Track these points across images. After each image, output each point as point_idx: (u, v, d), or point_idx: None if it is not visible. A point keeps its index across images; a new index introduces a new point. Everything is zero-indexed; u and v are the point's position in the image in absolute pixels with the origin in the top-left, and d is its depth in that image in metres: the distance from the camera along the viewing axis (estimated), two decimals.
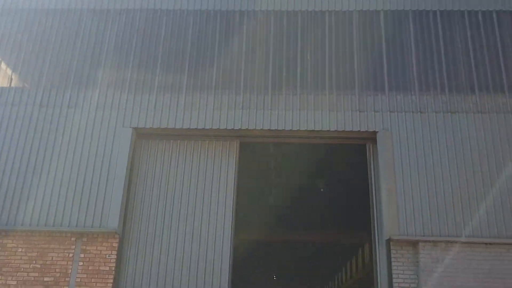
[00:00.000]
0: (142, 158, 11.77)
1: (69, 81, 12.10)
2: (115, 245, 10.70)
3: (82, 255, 10.62)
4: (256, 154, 18.63)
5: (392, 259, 10.32)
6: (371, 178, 11.50)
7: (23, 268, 10.53)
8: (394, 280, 10.17)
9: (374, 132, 11.37)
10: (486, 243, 10.16)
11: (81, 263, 10.55)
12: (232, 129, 11.56)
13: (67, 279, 10.43)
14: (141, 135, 11.87)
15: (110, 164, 11.25)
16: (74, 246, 10.68)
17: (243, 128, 11.53)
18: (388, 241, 10.44)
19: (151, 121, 11.67)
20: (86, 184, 11.08)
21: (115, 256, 10.61)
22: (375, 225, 11.04)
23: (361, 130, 11.39)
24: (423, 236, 10.25)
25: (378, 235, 10.88)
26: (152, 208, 11.30)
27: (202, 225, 11.14)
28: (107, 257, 10.58)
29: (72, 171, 11.21)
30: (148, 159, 11.77)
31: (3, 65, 12.51)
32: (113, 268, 10.50)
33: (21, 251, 10.65)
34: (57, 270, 10.49)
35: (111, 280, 10.40)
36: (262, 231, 29.75)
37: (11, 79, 12.33)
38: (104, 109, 11.78)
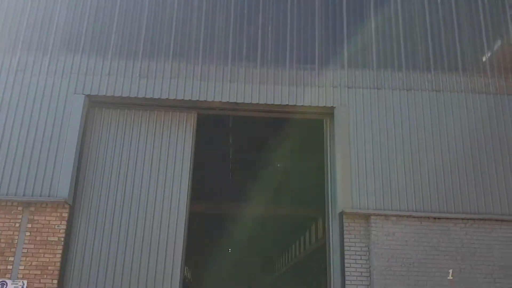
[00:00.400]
0: (95, 127, 11.37)
1: (18, 44, 11.45)
2: (65, 215, 10.36)
3: (29, 225, 10.23)
4: (214, 127, 18.47)
5: (345, 232, 10.50)
6: (327, 153, 11.59)
7: None
8: (346, 252, 10.37)
9: (332, 108, 11.40)
10: (434, 218, 10.48)
11: (28, 233, 10.18)
12: (190, 100, 11.31)
13: (13, 249, 10.06)
14: (94, 103, 11.43)
15: (61, 131, 10.81)
16: (20, 216, 10.28)
17: (201, 99, 11.31)
18: (341, 214, 10.60)
19: (104, 88, 11.24)
20: (35, 152, 10.62)
21: (65, 227, 10.29)
22: (329, 199, 11.18)
23: (319, 105, 11.39)
24: (375, 210, 10.46)
25: (331, 209, 11.03)
26: (105, 178, 10.99)
27: (157, 196, 10.95)
28: (56, 227, 10.25)
29: (20, 138, 10.70)
30: (101, 128, 11.39)
31: None
32: (63, 239, 10.19)
33: None
34: (2, 240, 10.07)
35: (60, 251, 10.10)
36: (217, 204, 29.79)
37: None
38: (55, 74, 11.24)
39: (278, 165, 24.30)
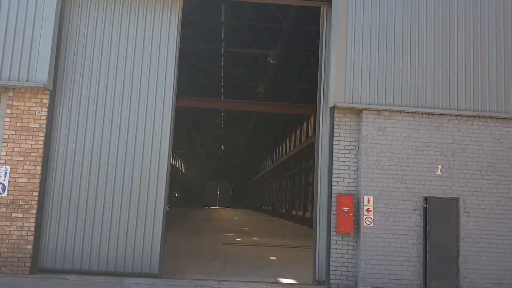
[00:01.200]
0: (74, 12, 10.55)
1: None
2: (46, 101, 9.95)
3: (8, 111, 9.85)
4: (202, 10, 17.45)
5: (335, 127, 10.26)
6: (322, 44, 10.96)
7: None
8: (335, 147, 10.22)
9: None
10: (428, 114, 10.20)
11: (8, 119, 9.83)
12: None
13: None
14: None
15: (36, 12, 10.00)
16: None
17: None
18: (333, 108, 10.29)
19: None
20: (9, 34, 9.91)
21: (46, 113, 9.92)
22: (322, 92, 10.78)
23: None
24: (368, 104, 10.13)
25: (323, 103, 10.68)
26: (87, 66, 10.41)
27: (141, 88, 10.47)
28: (37, 113, 9.88)
29: None
30: (80, 13, 10.57)
31: None
32: (44, 126, 9.88)
33: None
34: None
35: (42, 138, 9.84)
36: (208, 99, 29.39)
37: None
38: None
39: (272, 62, 23.60)
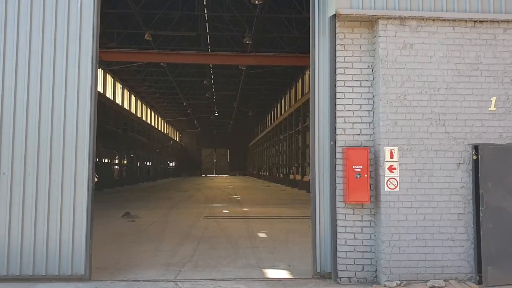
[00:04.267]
0: None
1: None
2: None
3: None
4: None
5: (338, 48, 6.93)
6: None
7: None
8: (338, 78, 6.92)
9: None
10: (475, 21, 6.86)
11: None
12: None
13: None
14: None
15: None
16: None
17: None
18: (334, 19, 6.94)
19: None
20: None
21: None
22: None
23: None
24: (386, 9, 6.77)
25: (320, 13, 7.25)
26: None
27: None
28: None
29: None
30: None
31: None
32: None
33: None
34: None
35: None
36: (190, 52, 25.65)
37: None
38: None
39: (257, 2, 19.98)
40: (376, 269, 6.76)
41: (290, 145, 41.21)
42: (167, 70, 38.69)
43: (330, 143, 6.98)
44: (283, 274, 7.43)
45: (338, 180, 6.87)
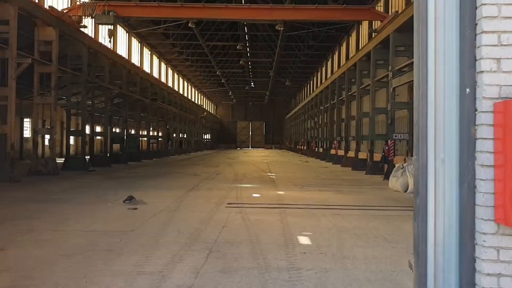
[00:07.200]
0: None
1: None
2: None
3: None
4: None
5: None
6: None
7: None
8: None
9: None
10: None
11: None
12: None
13: None
14: None
15: None
16: None
17: None
18: None
19: None
20: None
21: None
22: None
23: None
24: None
25: None
26: None
27: None
28: None
29: None
30: None
31: None
32: None
33: None
34: None
35: None
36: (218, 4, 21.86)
37: None
38: None
39: None
40: None
41: (332, 117, 37.19)
42: (196, 33, 35.10)
43: (465, 91, 3.22)
44: None
45: (481, 172, 3.15)
